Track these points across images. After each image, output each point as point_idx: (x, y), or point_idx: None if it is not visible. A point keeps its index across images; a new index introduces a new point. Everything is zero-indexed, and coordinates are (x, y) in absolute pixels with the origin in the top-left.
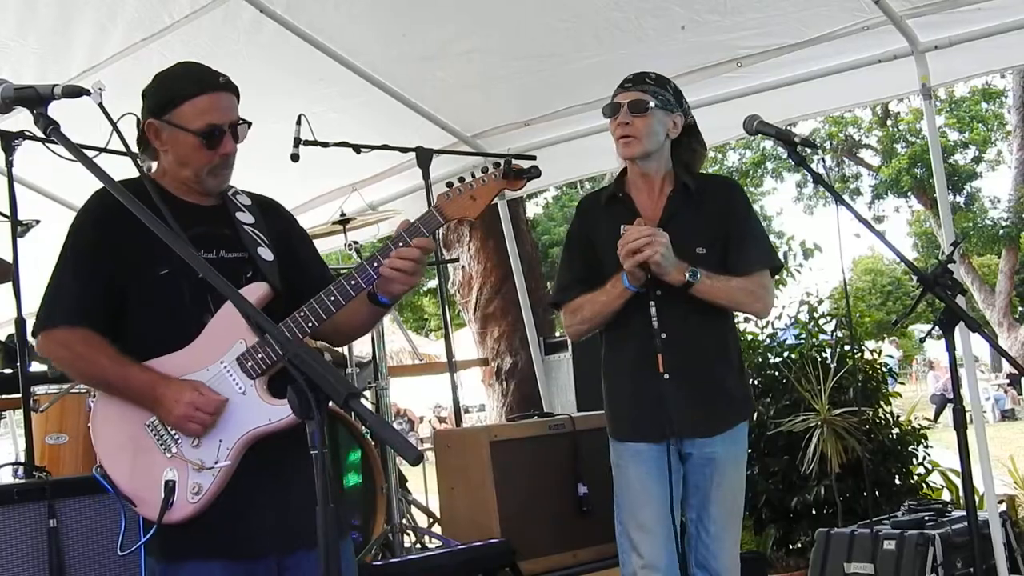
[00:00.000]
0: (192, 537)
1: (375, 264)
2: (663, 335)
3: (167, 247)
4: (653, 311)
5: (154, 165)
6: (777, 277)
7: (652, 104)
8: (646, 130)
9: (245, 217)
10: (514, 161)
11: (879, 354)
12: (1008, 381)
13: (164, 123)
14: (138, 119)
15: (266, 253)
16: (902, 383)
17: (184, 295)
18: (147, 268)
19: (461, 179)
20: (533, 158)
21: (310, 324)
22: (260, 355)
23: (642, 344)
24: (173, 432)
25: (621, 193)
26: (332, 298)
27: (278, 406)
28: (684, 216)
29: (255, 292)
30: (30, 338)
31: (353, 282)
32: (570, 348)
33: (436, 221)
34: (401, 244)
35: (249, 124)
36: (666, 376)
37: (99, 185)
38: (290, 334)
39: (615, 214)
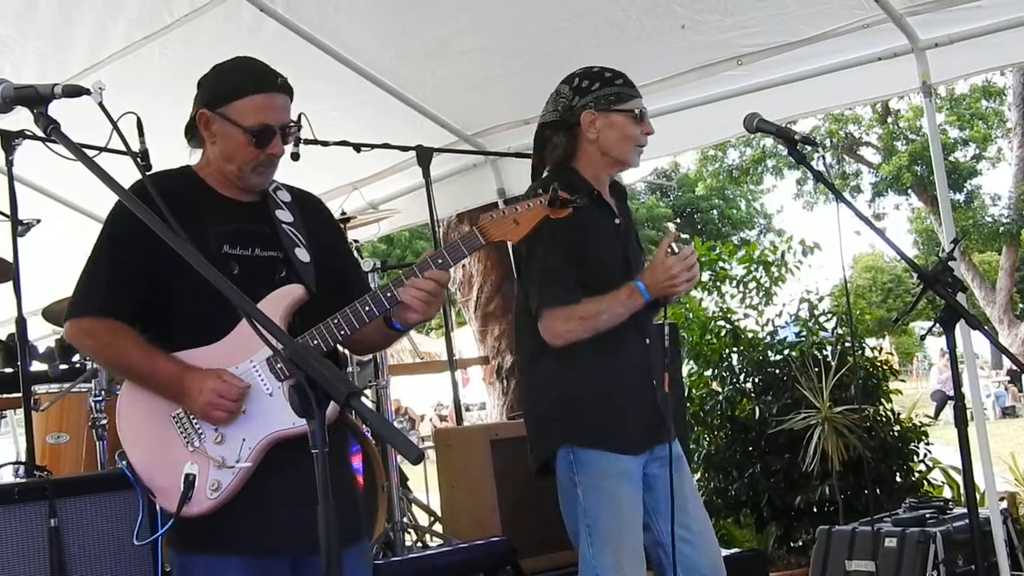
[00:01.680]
0: (212, 530)
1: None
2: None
3: (202, 242)
4: (667, 329)
5: (197, 155)
6: (777, 275)
7: None
8: None
9: (284, 215)
10: (560, 190)
11: (880, 351)
12: (1009, 378)
13: (217, 115)
14: (133, 118)
15: (303, 254)
16: (902, 380)
17: (219, 292)
18: (180, 263)
19: (507, 202)
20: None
21: (343, 332)
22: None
23: (632, 354)
24: (197, 425)
25: (595, 192)
26: (367, 308)
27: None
28: (624, 222)
29: (292, 293)
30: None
31: (389, 294)
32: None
33: (477, 241)
34: (440, 260)
35: (300, 127)
36: (663, 387)
37: (100, 182)
38: (322, 340)
39: (598, 215)
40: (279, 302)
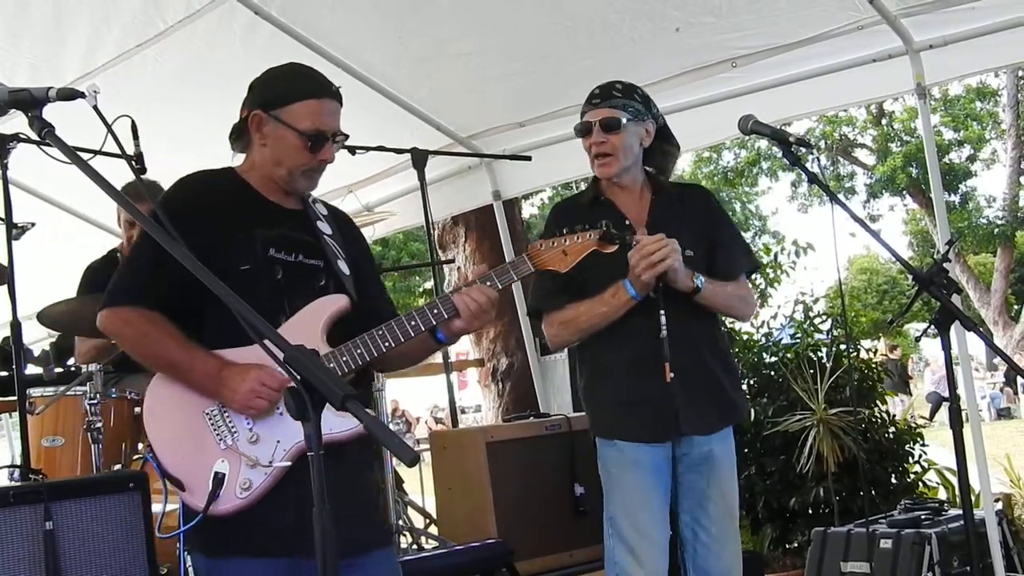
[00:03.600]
0: (240, 533)
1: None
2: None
3: (250, 243)
4: (663, 319)
5: (240, 158)
6: (772, 276)
7: (624, 119)
8: (621, 145)
9: (324, 227)
10: (612, 228)
11: (875, 353)
12: (1004, 380)
13: (271, 117)
14: (127, 121)
15: (344, 267)
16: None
17: (263, 294)
18: (229, 261)
19: (555, 233)
20: (528, 158)
21: (387, 344)
22: (332, 365)
23: (642, 347)
24: (231, 423)
25: (602, 198)
26: (412, 322)
27: (341, 418)
28: (669, 219)
29: (335, 302)
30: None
31: (436, 310)
32: (566, 349)
33: (526, 267)
34: (488, 283)
35: (346, 137)
36: (670, 379)
37: (95, 185)
38: (365, 350)
39: (599, 219)
40: (323, 309)
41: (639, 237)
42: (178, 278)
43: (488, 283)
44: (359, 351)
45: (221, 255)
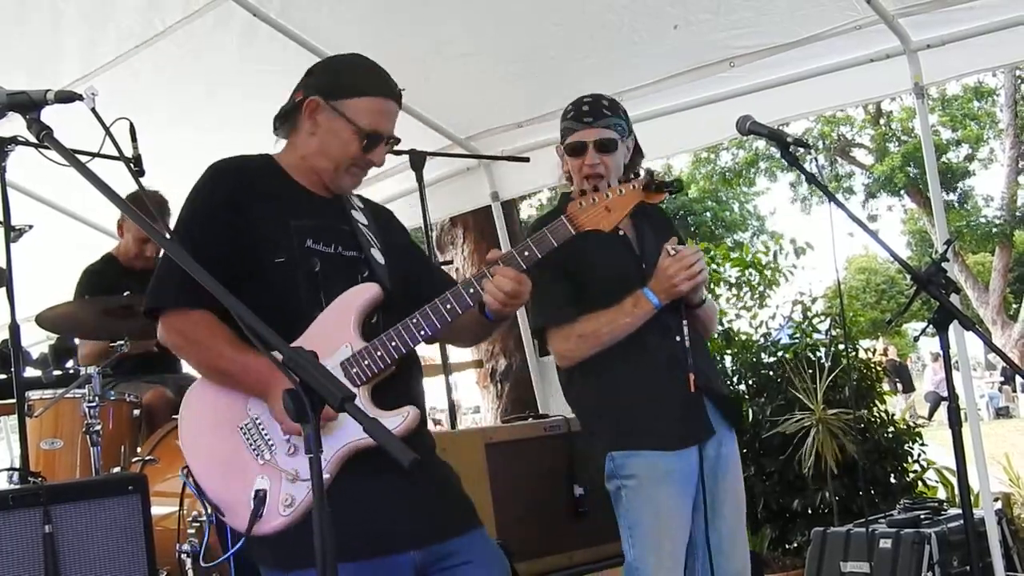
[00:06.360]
0: (301, 544)
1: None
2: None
3: (285, 234)
4: (686, 329)
5: (280, 144)
6: (770, 278)
7: (619, 140)
8: (613, 165)
9: (360, 216)
10: (656, 174)
11: (874, 353)
12: (1002, 379)
13: (330, 107)
14: (125, 123)
15: (378, 255)
16: (896, 381)
17: (299, 287)
18: (263, 252)
19: (596, 188)
20: (527, 159)
21: (423, 332)
22: (367, 362)
23: (661, 352)
24: (267, 436)
25: None
26: (448, 306)
27: (385, 418)
28: (648, 234)
29: (366, 291)
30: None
31: (472, 290)
32: None
33: (565, 231)
34: (527, 253)
35: (398, 141)
36: (693, 390)
37: (93, 188)
38: (400, 341)
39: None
40: (353, 300)
41: (677, 247)
42: (220, 265)
43: (526, 253)
44: (394, 343)
45: (256, 247)
